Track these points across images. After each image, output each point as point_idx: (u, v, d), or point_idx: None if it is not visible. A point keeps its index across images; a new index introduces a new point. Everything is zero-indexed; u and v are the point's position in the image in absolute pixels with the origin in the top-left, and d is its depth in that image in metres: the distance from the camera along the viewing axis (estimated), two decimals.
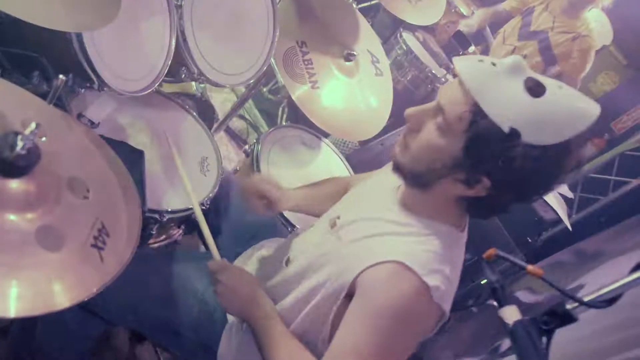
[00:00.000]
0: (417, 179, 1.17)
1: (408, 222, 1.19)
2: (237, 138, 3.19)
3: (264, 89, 3.28)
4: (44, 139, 0.78)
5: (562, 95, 1.05)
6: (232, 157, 3.09)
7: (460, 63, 1.08)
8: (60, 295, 0.75)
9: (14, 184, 0.77)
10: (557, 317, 0.93)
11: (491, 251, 1.02)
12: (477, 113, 1.03)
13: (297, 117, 2.97)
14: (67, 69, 1.38)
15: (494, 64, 1.06)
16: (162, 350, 2.00)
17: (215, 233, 1.74)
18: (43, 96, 1.29)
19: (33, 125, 0.76)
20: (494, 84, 1.04)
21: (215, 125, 2.53)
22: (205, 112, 2.30)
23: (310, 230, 1.43)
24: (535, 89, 1.03)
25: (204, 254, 1.66)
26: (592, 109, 1.04)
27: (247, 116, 3.27)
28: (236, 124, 3.20)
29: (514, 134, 1.01)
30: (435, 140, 1.10)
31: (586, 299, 0.91)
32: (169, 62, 1.59)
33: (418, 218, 1.19)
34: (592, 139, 3.94)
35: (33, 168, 0.78)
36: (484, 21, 3.53)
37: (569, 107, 1.04)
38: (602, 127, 3.99)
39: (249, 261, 1.56)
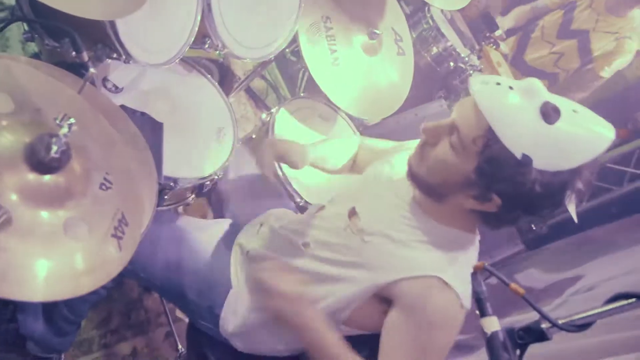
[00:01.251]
0: (431, 191, 1.24)
1: (431, 229, 1.26)
2: (255, 97, 3.22)
3: (287, 50, 3.28)
4: (72, 127, 0.84)
5: (577, 121, 1.08)
6: (250, 117, 3.13)
7: (477, 86, 1.11)
8: (84, 280, 0.84)
9: (46, 179, 0.84)
10: (532, 333, 0.99)
11: (480, 264, 1.09)
12: (491, 137, 1.07)
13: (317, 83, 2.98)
14: (96, 39, 1.43)
15: (510, 88, 1.09)
16: (168, 301, 2.12)
17: (224, 205, 1.82)
18: (71, 66, 1.36)
19: (66, 128, 0.82)
20: (509, 109, 1.07)
21: (235, 86, 2.57)
22: (226, 76, 2.34)
23: (326, 217, 1.45)
24: (550, 115, 1.05)
25: (213, 223, 1.74)
26: (607, 133, 1.07)
27: (267, 76, 3.28)
28: (256, 83, 3.21)
29: (526, 160, 1.05)
30: (449, 158, 1.15)
31: (561, 322, 0.97)
32: (193, 37, 1.62)
33: (439, 225, 1.26)
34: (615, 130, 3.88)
35: (64, 167, 0.84)
36: (520, 19, 3.39)
37: (583, 134, 1.07)
38: (627, 117, 3.93)
39: (259, 233, 1.60)
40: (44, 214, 0.85)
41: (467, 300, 1.20)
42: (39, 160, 0.81)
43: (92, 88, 1.06)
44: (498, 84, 1.10)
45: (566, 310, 1.72)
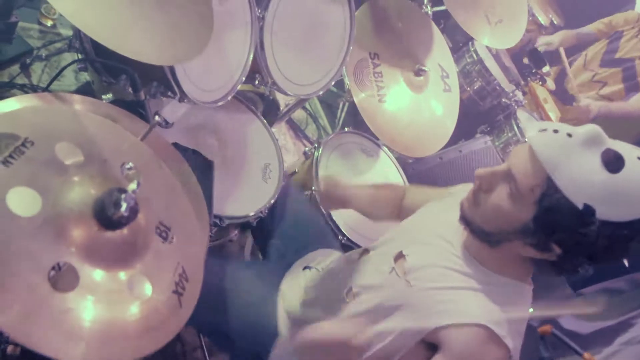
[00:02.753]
0: (486, 237, 1.18)
1: (481, 276, 1.20)
2: (295, 128, 3.22)
3: None
4: (141, 182, 0.83)
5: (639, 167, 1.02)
6: (289, 148, 3.13)
7: (533, 132, 1.07)
8: (144, 341, 0.82)
9: (111, 235, 0.83)
10: None
11: (547, 328, 1.04)
12: (550, 187, 1.03)
13: (357, 114, 2.98)
14: (151, 77, 1.44)
15: (569, 135, 1.04)
16: (209, 340, 2.09)
17: (268, 238, 1.80)
18: (128, 105, 1.37)
19: (134, 184, 0.81)
20: (569, 157, 1.02)
21: (278, 117, 2.58)
22: (270, 108, 2.35)
23: (371, 261, 1.43)
24: (613, 164, 1.00)
25: (255, 263, 1.72)
26: None
27: (307, 106, 3.29)
28: (296, 113, 3.22)
29: (589, 210, 1.00)
30: (506, 206, 1.10)
31: None
32: (245, 76, 1.62)
33: (489, 272, 1.21)
34: None
35: (131, 223, 0.83)
36: (565, 42, 3.33)
37: None
38: None
39: (302, 276, 1.58)
40: (109, 273, 0.83)
41: (516, 353, 1.15)
42: (108, 217, 0.80)
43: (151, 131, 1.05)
44: (556, 131, 1.06)
45: None
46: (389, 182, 2.24)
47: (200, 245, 1.07)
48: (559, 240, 1.07)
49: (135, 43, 1.03)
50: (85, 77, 2.27)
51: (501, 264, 1.20)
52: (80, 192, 0.82)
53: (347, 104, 3.16)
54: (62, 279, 0.78)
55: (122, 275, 0.84)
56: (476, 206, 1.17)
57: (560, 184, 1.01)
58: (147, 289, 0.86)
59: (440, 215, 1.40)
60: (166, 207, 0.95)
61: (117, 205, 0.80)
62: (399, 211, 1.66)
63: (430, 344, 1.19)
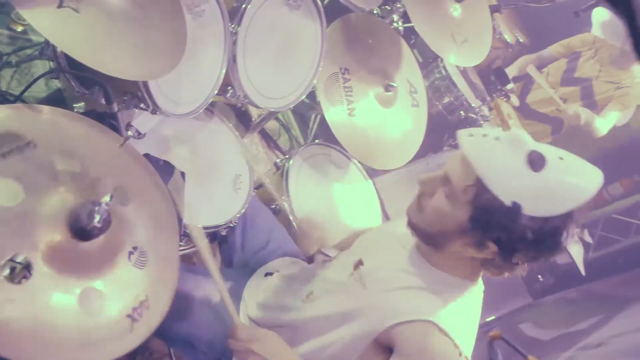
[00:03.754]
0: (430, 239, 1.26)
1: (431, 276, 1.27)
2: (268, 138, 3.25)
3: None
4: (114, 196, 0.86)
5: (564, 168, 1.12)
6: (262, 157, 3.15)
7: (464, 138, 1.15)
8: (84, 354, 0.83)
9: (79, 245, 0.85)
10: None
11: (496, 334, 1.10)
12: (481, 187, 1.11)
13: (329, 126, 3.02)
14: (124, 89, 1.46)
15: (497, 139, 1.13)
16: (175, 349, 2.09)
17: (232, 247, 1.83)
18: (100, 116, 1.39)
19: (107, 197, 0.84)
20: (497, 158, 1.11)
21: (250, 128, 2.61)
22: (242, 119, 2.39)
23: (332, 267, 1.49)
24: (536, 163, 1.09)
25: (224, 272, 1.74)
26: (594, 178, 1.10)
27: (280, 117, 3.33)
28: (269, 123, 3.25)
29: (516, 207, 1.08)
30: (444, 207, 1.18)
31: None
32: (217, 89, 1.66)
33: (439, 272, 1.27)
34: (621, 180, 3.92)
35: (100, 236, 0.86)
36: (524, 69, 3.49)
37: (570, 180, 1.11)
38: (633, 168, 3.95)
39: (264, 282, 1.62)
40: (65, 279, 0.85)
41: (466, 348, 1.20)
42: (81, 227, 0.83)
43: (126, 145, 1.08)
44: (485, 135, 1.15)
45: None
46: (356, 197, 2.30)
47: (172, 284, 1.09)
48: (494, 238, 1.15)
49: (109, 58, 1.05)
50: (56, 84, 2.26)
51: (450, 264, 1.26)
52: (62, 200, 0.85)
53: (319, 115, 3.22)
54: (16, 271, 0.80)
55: (77, 285, 0.86)
56: (420, 211, 1.25)
57: (489, 184, 1.09)
58: (99, 305, 0.87)
59: (398, 224, 1.46)
60: (149, 236, 0.97)
61: (91, 217, 0.82)
62: None
63: (387, 347, 1.24)
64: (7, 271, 0.77)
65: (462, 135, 1.15)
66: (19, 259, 0.82)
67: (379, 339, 1.24)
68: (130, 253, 0.96)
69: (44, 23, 0.96)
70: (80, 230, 0.83)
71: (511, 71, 3.46)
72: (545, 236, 1.11)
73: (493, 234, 1.14)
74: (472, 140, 1.13)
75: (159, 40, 1.18)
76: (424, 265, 1.29)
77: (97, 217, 0.82)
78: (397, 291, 1.27)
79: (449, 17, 2.33)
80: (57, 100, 2.13)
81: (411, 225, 1.29)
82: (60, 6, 0.97)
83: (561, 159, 1.12)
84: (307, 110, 3.32)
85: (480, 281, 1.32)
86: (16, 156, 0.83)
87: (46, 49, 1.67)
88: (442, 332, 1.18)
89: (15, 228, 0.81)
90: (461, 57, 2.31)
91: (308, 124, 3.24)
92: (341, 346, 1.28)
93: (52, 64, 1.67)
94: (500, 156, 1.11)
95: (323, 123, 3.18)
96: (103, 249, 0.88)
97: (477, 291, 1.30)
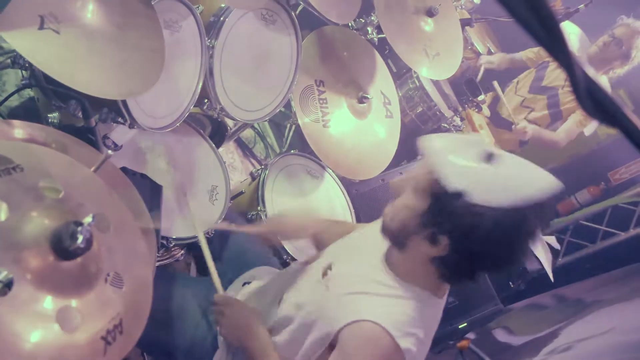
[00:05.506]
0: (394, 237, 1.29)
1: (391, 283, 1.30)
2: (244, 146, 3.27)
3: None
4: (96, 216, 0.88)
5: (514, 164, 1.17)
6: (237, 166, 3.17)
7: (427, 136, 1.21)
8: None
9: (59, 264, 0.87)
10: None
11: (465, 343, 1.14)
12: (436, 178, 1.16)
13: (304, 135, 3.06)
14: (101, 103, 1.48)
15: (457, 137, 1.19)
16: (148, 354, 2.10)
17: (215, 259, 1.85)
18: (78, 131, 1.41)
19: (90, 218, 0.86)
20: (450, 152, 1.17)
21: (226, 137, 2.62)
22: (218, 129, 2.40)
23: (304, 273, 1.51)
24: (490, 157, 1.14)
25: (201, 279, 1.77)
26: (549, 183, 1.14)
27: (255, 125, 3.35)
28: (244, 132, 3.28)
29: (462, 193, 1.12)
30: (408, 201, 1.22)
31: None
32: (194, 102, 1.68)
33: (400, 280, 1.30)
34: (589, 187, 4.04)
35: (81, 256, 0.88)
36: (503, 63, 3.62)
37: (520, 175, 1.16)
38: (600, 176, 4.08)
39: (241, 291, 1.65)
40: (45, 296, 0.87)
41: (411, 357, 1.22)
42: (64, 247, 0.85)
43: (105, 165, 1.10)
44: (446, 135, 1.21)
45: None
46: (332, 206, 2.34)
47: (145, 310, 1.11)
48: (446, 229, 1.17)
49: (88, 78, 1.07)
50: (28, 92, 2.24)
51: (412, 271, 1.29)
52: (45, 220, 0.87)
53: (294, 125, 3.25)
54: None
55: (55, 302, 0.88)
56: (391, 209, 1.28)
57: (439, 173, 1.15)
58: (76, 323, 0.89)
59: (370, 233, 1.50)
60: (125, 262, 1.00)
61: (74, 237, 0.85)
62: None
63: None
64: None
65: (427, 137, 1.22)
66: (1, 276, 0.83)
67: (332, 344, 1.27)
68: (108, 277, 0.98)
69: (26, 44, 0.98)
70: (63, 250, 0.85)
71: (491, 62, 3.56)
72: (495, 231, 1.13)
73: (445, 223, 1.17)
74: (435, 136, 1.21)
75: (137, 60, 1.20)
76: (389, 274, 1.32)
77: (79, 238, 0.84)
78: (357, 295, 1.30)
79: (421, 31, 2.39)
80: (30, 109, 2.11)
81: (383, 226, 1.31)
82: (41, 28, 0.99)
83: (514, 158, 1.18)
84: (282, 119, 3.35)
85: (444, 297, 1.35)
86: (4, 177, 0.86)
87: (19, 58, 1.67)
88: (388, 337, 1.19)
89: (1, 242, 0.83)
90: (433, 70, 2.37)
91: (283, 132, 3.27)
92: (306, 347, 1.32)
93: (25, 72, 1.66)
94: (455, 150, 1.16)
95: (298, 131, 3.21)
96: (81, 270, 0.90)
97: (436, 303, 1.32)
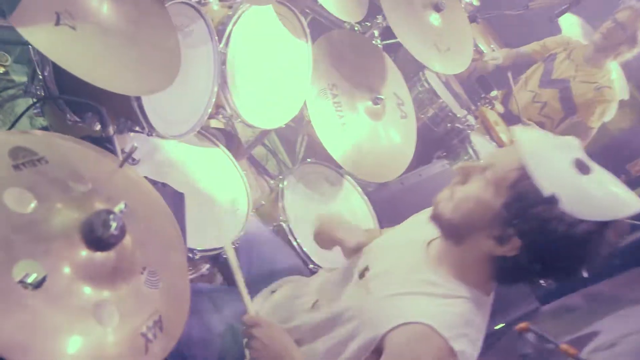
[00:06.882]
0: (453, 230, 1.22)
1: (438, 281, 1.23)
2: (256, 164, 3.24)
3: None
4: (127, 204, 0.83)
5: (607, 180, 1.11)
6: (252, 184, 3.13)
7: (518, 128, 1.16)
8: None
9: (96, 255, 0.82)
10: None
11: (524, 325, 1.07)
12: (523, 174, 1.09)
13: (316, 147, 3.02)
14: (120, 112, 1.44)
15: (550, 136, 1.16)
16: None
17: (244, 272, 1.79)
18: (96, 140, 1.37)
19: (122, 205, 0.81)
20: (545, 151, 1.11)
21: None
22: (232, 144, 2.37)
23: (337, 276, 1.46)
24: (583, 167, 1.09)
25: (227, 289, 1.71)
26: (635, 202, 1.09)
27: (267, 142, 3.32)
28: (256, 149, 3.25)
29: (554, 199, 1.06)
30: (479, 192, 1.16)
31: None
32: (211, 108, 1.65)
33: (447, 278, 1.23)
34: None
35: (116, 245, 0.83)
36: (508, 58, 3.57)
37: (611, 192, 1.10)
38: (618, 168, 4.00)
39: (269, 299, 1.60)
40: (80, 290, 0.83)
41: (464, 359, 1.14)
42: (96, 236, 0.80)
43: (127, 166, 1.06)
44: (539, 129, 1.17)
45: None
46: (354, 213, 2.29)
47: (185, 306, 1.05)
48: (521, 230, 1.11)
49: (105, 73, 1.04)
50: (40, 122, 2.23)
51: (463, 269, 1.22)
52: (74, 211, 0.83)
53: (305, 137, 3.22)
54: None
55: (91, 296, 0.84)
56: (450, 198, 1.21)
57: (533, 171, 1.08)
58: (112, 318, 0.84)
59: (404, 232, 1.45)
60: (160, 256, 0.95)
61: (107, 225, 0.80)
62: None
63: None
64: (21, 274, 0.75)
65: (518, 128, 1.17)
66: (31, 278, 0.78)
67: (379, 348, 1.19)
68: (143, 271, 0.93)
69: (43, 40, 0.95)
70: (96, 240, 0.81)
71: (497, 57, 3.53)
72: (573, 241, 1.08)
73: (522, 224, 1.10)
74: (527, 129, 1.17)
75: (155, 57, 1.17)
76: (432, 270, 1.25)
77: (113, 225, 0.80)
78: (403, 296, 1.23)
79: (430, 26, 2.37)
80: None
81: (435, 214, 1.24)
82: (57, 24, 0.96)
83: (604, 173, 1.12)
84: (292, 134, 3.32)
85: (491, 295, 1.27)
86: (29, 168, 0.83)
87: (29, 87, 1.65)
88: (439, 338, 1.13)
89: (29, 235, 0.79)
90: (445, 65, 2.34)
91: (294, 148, 3.24)
92: (348, 354, 1.24)
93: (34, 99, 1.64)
94: (549, 150, 1.11)
95: (310, 145, 3.20)
96: (116, 263, 0.85)
97: (485, 302, 1.25)
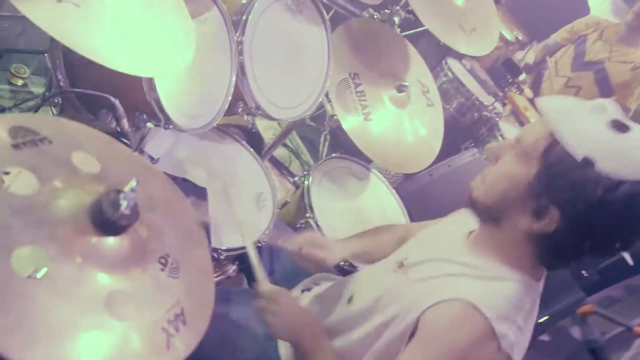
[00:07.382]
0: (489, 212, 1.15)
1: (481, 264, 1.15)
2: (279, 165, 3.18)
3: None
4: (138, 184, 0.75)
5: None
6: (276, 185, 3.07)
7: (543, 97, 1.11)
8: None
9: (108, 241, 0.75)
10: None
11: (588, 307, 0.96)
12: (553, 141, 1.03)
13: (339, 146, 2.95)
14: (135, 106, 1.38)
15: (579, 101, 1.08)
16: None
17: (268, 272, 1.71)
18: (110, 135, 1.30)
19: (134, 182, 0.74)
20: (574, 117, 1.04)
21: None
22: (253, 142, 2.30)
23: (374, 270, 1.40)
24: (619, 126, 1.00)
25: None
26: None
27: (289, 143, 3.26)
28: (278, 151, 3.19)
29: (587, 162, 0.98)
30: (510, 168, 1.09)
31: None
32: (229, 99, 1.57)
33: (492, 262, 1.14)
34: None
35: (130, 227, 0.75)
36: (538, 55, 3.49)
37: None
38: None
39: (303, 297, 1.53)
40: (90, 279, 0.75)
41: (509, 344, 1.04)
42: (105, 218, 0.73)
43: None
44: (564, 98, 1.11)
45: None
46: (383, 207, 2.20)
47: (210, 298, 0.96)
48: (558, 199, 1.03)
49: (113, 52, 0.97)
50: None
51: (507, 251, 1.13)
52: (81, 194, 0.75)
53: (328, 136, 3.15)
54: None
55: (98, 284, 0.75)
56: (482, 181, 1.16)
57: (560, 136, 1.01)
58: (127, 310, 0.76)
59: (444, 225, 1.39)
60: (179, 245, 0.87)
61: (116, 205, 0.72)
62: None
63: None
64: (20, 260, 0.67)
65: (543, 98, 1.12)
66: (40, 274, 0.70)
67: (413, 334, 1.10)
68: (161, 260, 0.84)
69: (44, 17, 0.88)
70: (106, 223, 0.73)
71: (529, 57, 3.42)
72: (614, 208, 0.98)
73: (558, 193, 1.02)
74: (552, 98, 1.12)
75: (166, 37, 1.10)
76: (477, 256, 1.16)
77: (123, 204, 0.72)
78: (442, 278, 1.15)
79: (453, 7, 2.27)
80: None
81: (471, 200, 1.18)
82: (59, 0, 0.90)
83: None
84: (314, 134, 3.26)
85: (541, 280, 1.18)
86: (30, 148, 0.76)
87: (47, 94, 1.60)
88: (481, 317, 1.03)
89: (32, 218, 0.71)
90: (472, 46, 2.24)
91: (317, 148, 3.18)
92: (386, 342, 1.16)
93: (55, 110, 1.59)
94: (579, 113, 1.04)
95: (332, 145, 3.13)
96: (129, 250, 0.77)
97: (535, 287, 1.15)
